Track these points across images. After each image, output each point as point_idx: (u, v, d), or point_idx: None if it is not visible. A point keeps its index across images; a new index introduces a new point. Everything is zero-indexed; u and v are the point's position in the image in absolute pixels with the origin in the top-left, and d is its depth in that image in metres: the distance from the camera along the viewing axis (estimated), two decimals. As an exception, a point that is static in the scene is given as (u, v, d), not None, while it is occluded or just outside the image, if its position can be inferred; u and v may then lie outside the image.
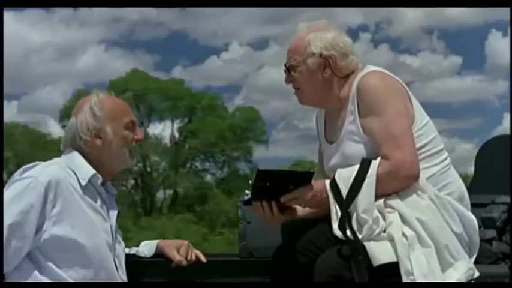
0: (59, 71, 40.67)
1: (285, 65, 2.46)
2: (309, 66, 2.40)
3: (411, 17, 38.78)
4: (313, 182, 2.25)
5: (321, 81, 2.41)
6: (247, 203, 2.33)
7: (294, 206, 2.34)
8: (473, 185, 3.13)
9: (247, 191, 2.29)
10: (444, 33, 45.37)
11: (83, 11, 37.05)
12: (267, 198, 2.28)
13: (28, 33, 40.83)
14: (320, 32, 2.42)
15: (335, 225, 2.18)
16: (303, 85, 2.44)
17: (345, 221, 2.16)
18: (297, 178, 2.24)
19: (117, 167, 2.34)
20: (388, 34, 43.91)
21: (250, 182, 2.24)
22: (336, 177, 2.24)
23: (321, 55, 2.39)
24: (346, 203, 2.17)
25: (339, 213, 2.19)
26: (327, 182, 2.25)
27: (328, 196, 2.23)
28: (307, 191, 2.24)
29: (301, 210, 2.40)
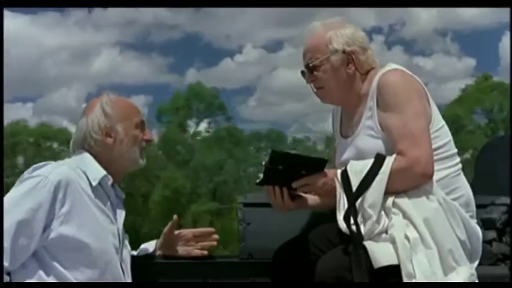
0: (73, 74, 40.86)
1: (307, 65, 2.43)
2: (333, 64, 2.39)
3: (425, 18, 38.61)
4: (326, 170, 2.25)
5: (345, 77, 2.40)
6: (259, 184, 2.30)
7: (304, 194, 2.33)
8: (473, 186, 3.12)
9: (260, 174, 2.27)
10: (458, 35, 45.06)
11: (98, 14, 37.29)
12: (278, 182, 2.27)
13: (43, 36, 41.09)
14: (338, 28, 2.42)
15: (340, 217, 2.17)
16: (327, 83, 2.42)
17: (351, 213, 2.14)
18: (311, 163, 2.24)
19: (128, 166, 2.35)
20: (401, 36, 43.65)
21: (264, 163, 2.23)
22: (348, 168, 2.23)
23: (344, 51, 2.38)
24: (355, 195, 2.16)
25: (346, 205, 2.18)
26: (339, 171, 2.24)
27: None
28: (319, 178, 2.23)
29: (311, 200, 2.40)
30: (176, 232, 2.54)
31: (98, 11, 35.54)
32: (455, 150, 2.38)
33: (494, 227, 2.74)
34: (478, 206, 2.55)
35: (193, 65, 50.09)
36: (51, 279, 2.09)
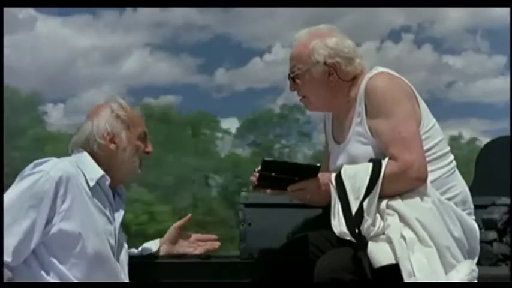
0: (104, 75, 40.89)
1: (289, 74, 2.43)
2: (314, 75, 2.37)
3: (454, 17, 37.84)
4: (319, 175, 2.23)
5: (326, 88, 2.38)
6: (254, 189, 2.29)
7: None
8: (474, 187, 3.12)
9: (252, 178, 2.26)
10: (488, 33, 44.07)
11: (128, 16, 37.47)
12: (273, 187, 2.27)
13: (75, 38, 41.30)
14: (323, 38, 2.38)
15: (334, 222, 2.16)
16: (309, 93, 2.41)
17: (349, 219, 2.13)
18: (303, 170, 2.23)
19: (126, 175, 2.37)
20: (431, 34, 42.91)
21: (256, 170, 2.22)
22: (342, 172, 2.22)
23: (325, 63, 2.36)
24: (360, 201, 2.13)
25: (340, 210, 2.17)
26: (333, 175, 2.23)
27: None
28: (314, 182, 2.22)
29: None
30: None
31: (128, 13, 35.77)
32: (448, 148, 2.36)
33: (495, 227, 2.73)
34: (478, 207, 2.55)
35: (223, 65, 50.01)
36: (49, 277, 2.10)
